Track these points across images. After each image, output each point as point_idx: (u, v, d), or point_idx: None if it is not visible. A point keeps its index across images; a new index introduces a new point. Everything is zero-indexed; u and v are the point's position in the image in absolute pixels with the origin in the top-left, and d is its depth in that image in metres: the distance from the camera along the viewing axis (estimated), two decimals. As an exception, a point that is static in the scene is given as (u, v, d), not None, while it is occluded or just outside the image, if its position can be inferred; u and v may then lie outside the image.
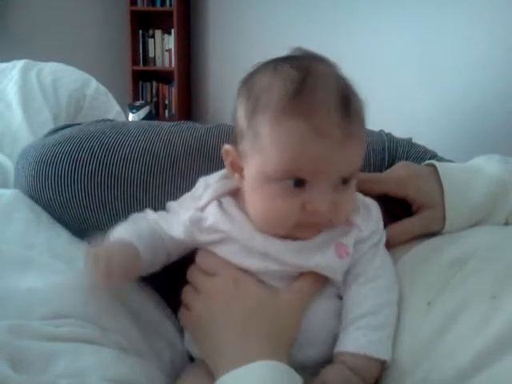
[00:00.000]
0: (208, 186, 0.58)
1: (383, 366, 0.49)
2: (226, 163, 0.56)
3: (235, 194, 0.57)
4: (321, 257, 0.52)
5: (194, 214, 0.55)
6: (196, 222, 0.55)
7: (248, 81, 0.53)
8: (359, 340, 0.49)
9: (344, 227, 0.54)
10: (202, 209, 0.56)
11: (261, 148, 0.50)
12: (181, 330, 0.60)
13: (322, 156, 0.47)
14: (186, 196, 0.61)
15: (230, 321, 0.51)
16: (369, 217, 0.56)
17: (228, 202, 0.56)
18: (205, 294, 0.54)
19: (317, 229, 0.53)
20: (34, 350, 0.42)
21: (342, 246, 0.53)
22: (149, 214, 0.59)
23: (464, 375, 0.42)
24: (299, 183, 0.49)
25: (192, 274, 0.58)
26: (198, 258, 0.57)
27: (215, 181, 0.59)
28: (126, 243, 0.54)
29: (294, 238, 0.53)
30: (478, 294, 0.47)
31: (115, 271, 0.50)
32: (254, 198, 0.53)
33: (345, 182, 0.51)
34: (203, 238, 0.55)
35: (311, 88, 0.48)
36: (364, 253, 0.54)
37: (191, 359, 0.60)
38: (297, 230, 0.52)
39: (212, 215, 0.55)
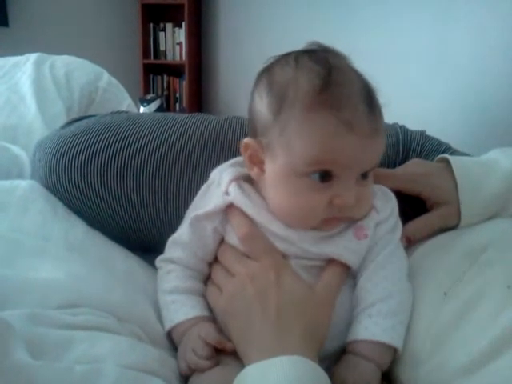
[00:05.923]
0: (223, 170, 0.59)
1: (395, 354, 0.50)
2: (245, 156, 0.55)
3: (250, 181, 0.57)
4: (339, 240, 0.52)
5: (223, 199, 0.55)
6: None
7: (268, 73, 0.53)
8: (371, 328, 0.49)
9: None
10: (227, 192, 0.56)
11: (288, 142, 0.49)
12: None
13: (353, 149, 0.48)
14: (200, 194, 0.61)
15: (266, 309, 0.49)
16: (386, 200, 0.56)
17: (247, 186, 0.56)
18: (241, 278, 0.52)
19: (339, 223, 0.53)
20: (52, 337, 0.42)
21: (360, 228, 0.53)
22: (174, 252, 0.59)
23: (478, 363, 0.43)
24: (325, 178, 0.49)
25: (226, 255, 0.57)
26: (244, 240, 0.55)
27: (228, 166, 0.60)
28: (196, 329, 0.52)
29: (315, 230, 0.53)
30: (493, 284, 0.47)
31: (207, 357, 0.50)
32: (278, 194, 0.52)
33: (364, 175, 0.51)
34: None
35: (337, 83, 0.48)
36: (379, 238, 0.54)
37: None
38: (321, 225, 0.52)
39: (233, 194, 0.55)
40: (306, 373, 0.43)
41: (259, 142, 0.53)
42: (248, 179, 0.57)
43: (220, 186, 0.57)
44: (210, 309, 0.56)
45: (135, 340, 0.48)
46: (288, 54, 0.53)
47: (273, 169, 0.52)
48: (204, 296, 0.57)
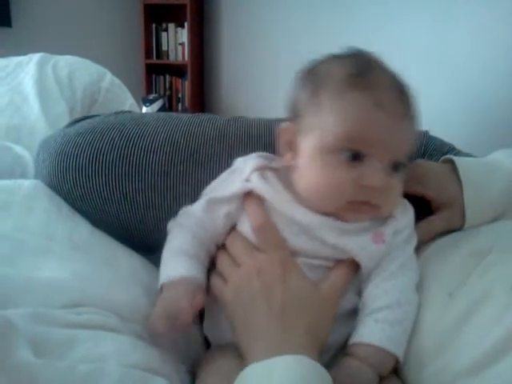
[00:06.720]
0: (248, 159, 0.59)
1: (397, 363, 0.50)
2: (281, 141, 0.57)
3: (275, 171, 0.58)
4: (357, 239, 0.52)
5: (243, 186, 0.56)
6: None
7: (308, 70, 0.57)
8: (377, 333, 0.49)
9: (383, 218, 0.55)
10: (247, 179, 0.56)
11: (322, 120, 0.52)
12: (196, 318, 0.60)
13: (382, 128, 0.50)
14: (221, 178, 0.61)
15: (271, 304, 0.49)
16: (404, 210, 0.57)
17: (270, 175, 0.57)
18: (248, 270, 0.53)
19: (364, 212, 0.53)
20: (55, 336, 0.43)
21: (379, 233, 0.53)
22: (186, 220, 0.59)
23: (480, 365, 0.42)
24: (355, 158, 0.50)
25: (235, 243, 0.57)
26: (257, 230, 0.55)
27: (254, 157, 0.60)
28: (189, 286, 0.53)
29: (337, 218, 0.53)
30: (498, 285, 0.47)
31: (184, 319, 0.50)
32: (309, 173, 0.53)
33: (396, 168, 0.52)
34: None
35: (370, 69, 0.52)
36: (394, 247, 0.54)
37: (207, 347, 0.60)
38: (346, 209, 0.52)
39: (254, 181, 0.56)
40: (310, 372, 0.43)
41: (296, 125, 0.55)
42: (272, 171, 0.58)
43: (242, 173, 0.57)
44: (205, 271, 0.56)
45: (137, 339, 0.48)
46: (326, 56, 0.57)
47: (306, 149, 0.53)
48: (202, 262, 0.57)
